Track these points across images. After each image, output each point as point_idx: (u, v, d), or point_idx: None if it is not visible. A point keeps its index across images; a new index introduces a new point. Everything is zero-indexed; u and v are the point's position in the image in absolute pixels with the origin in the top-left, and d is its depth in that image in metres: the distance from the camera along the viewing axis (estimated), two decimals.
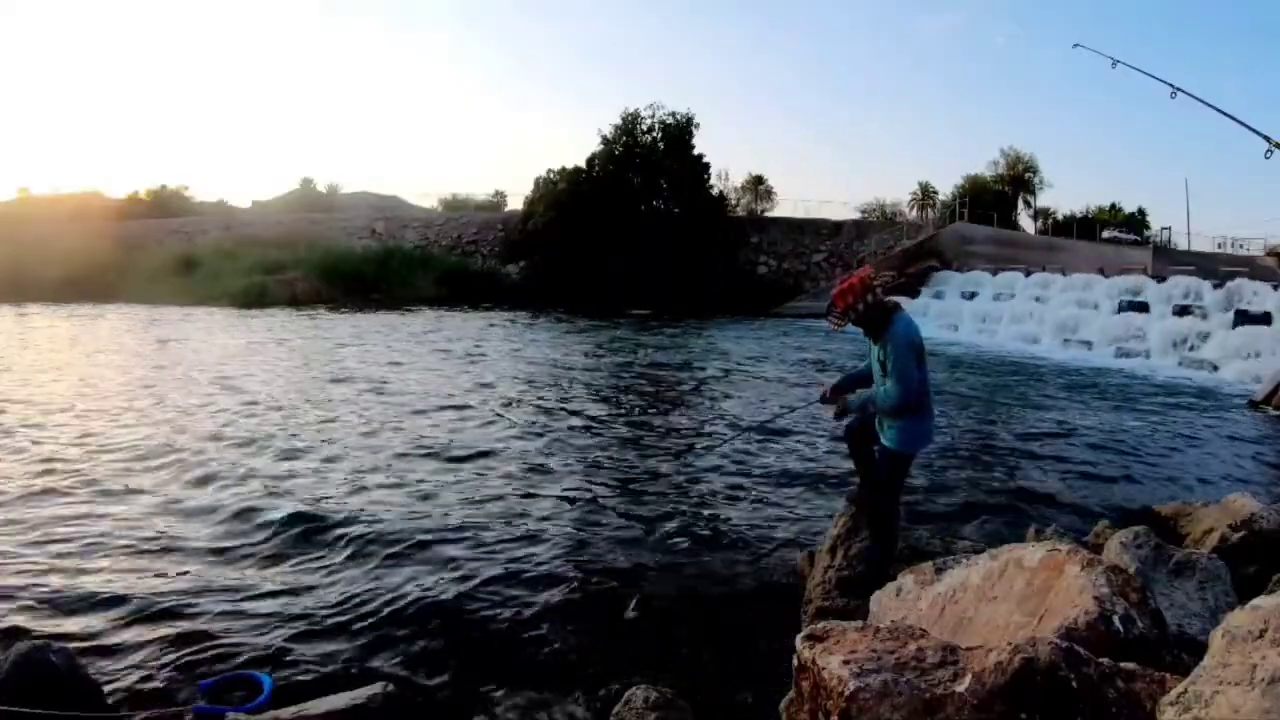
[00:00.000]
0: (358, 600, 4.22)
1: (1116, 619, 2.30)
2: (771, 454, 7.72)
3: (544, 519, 5.63)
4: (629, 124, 33.12)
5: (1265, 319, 16.69)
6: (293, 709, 2.91)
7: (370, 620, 4.02)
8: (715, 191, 35.33)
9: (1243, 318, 17.14)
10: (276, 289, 25.92)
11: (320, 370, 12.54)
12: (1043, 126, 78.45)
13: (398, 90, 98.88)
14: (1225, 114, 11.41)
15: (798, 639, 2.22)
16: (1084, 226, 32.97)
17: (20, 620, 3.87)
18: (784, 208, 39.12)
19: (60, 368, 12.21)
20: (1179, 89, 11.33)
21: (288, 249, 29.25)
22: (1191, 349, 17.13)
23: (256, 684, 3.27)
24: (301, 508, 5.72)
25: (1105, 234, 32.16)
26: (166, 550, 4.85)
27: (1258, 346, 15.96)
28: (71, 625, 3.86)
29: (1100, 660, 1.96)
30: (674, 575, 4.68)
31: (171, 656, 3.62)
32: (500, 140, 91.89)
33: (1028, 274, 24.06)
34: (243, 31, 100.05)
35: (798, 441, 8.16)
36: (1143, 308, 19.43)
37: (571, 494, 6.27)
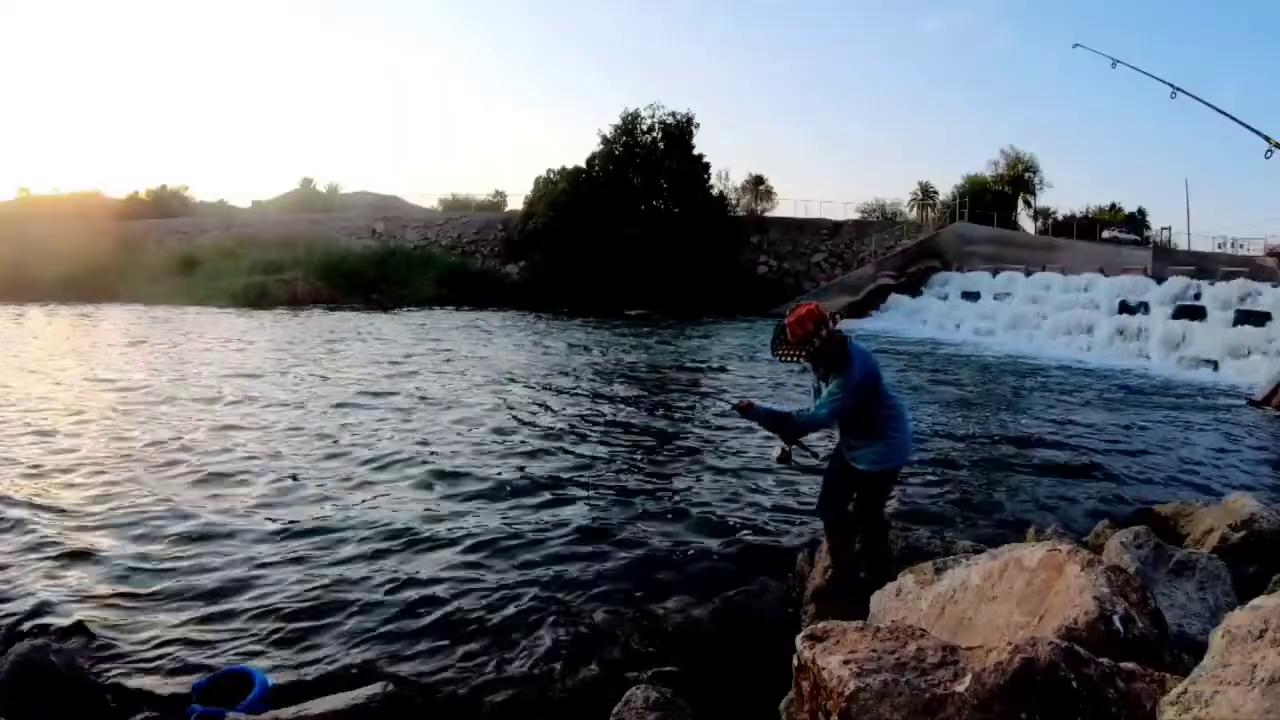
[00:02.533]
0: (357, 600, 4.22)
1: (1116, 619, 2.30)
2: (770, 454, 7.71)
3: (542, 519, 5.63)
4: (629, 124, 33.12)
5: (1265, 319, 16.69)
6: (292, 709, 2.91)
7: (370, 620, 4.02)
8: (715, 191, 35.38)
9: (1242, 317, 17.14)
10: (276, 289, 25.94)
11: (321, 371, 12.54)
12: (1043, 126, 78.62)
13: (398, 90, 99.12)
14: (1225, 114, 11.45)
15: (798, 639, 2.22)
16: (1084, 226, 32.90)
17: (20, 621, 3.87)
18: (784, 208, 39.15)
19: (55, 365, 12.22)
20: (1179, 89, 11.37)
21: (288, 249, 29.24)
22: (1191, 349, 17.13)
23: (249, 679, 3.22)
24: (302, 507, 5.74)
25: (1105, 234, 32.06)
26: (166, 549, 4.85)
27: (1257, 346, 15.97)
28: (70, 625, 3.84)
29: (1100, 660, 1.96)
30: (673, 575, 4.67)
31: (171, 656, 3.62)
32: (500, 140, 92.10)
33: (1028, 274, 24.05)
34: (242, 31, 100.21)
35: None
36: (1143, 308, 19.43)
37: (570, 495, 6.26)
